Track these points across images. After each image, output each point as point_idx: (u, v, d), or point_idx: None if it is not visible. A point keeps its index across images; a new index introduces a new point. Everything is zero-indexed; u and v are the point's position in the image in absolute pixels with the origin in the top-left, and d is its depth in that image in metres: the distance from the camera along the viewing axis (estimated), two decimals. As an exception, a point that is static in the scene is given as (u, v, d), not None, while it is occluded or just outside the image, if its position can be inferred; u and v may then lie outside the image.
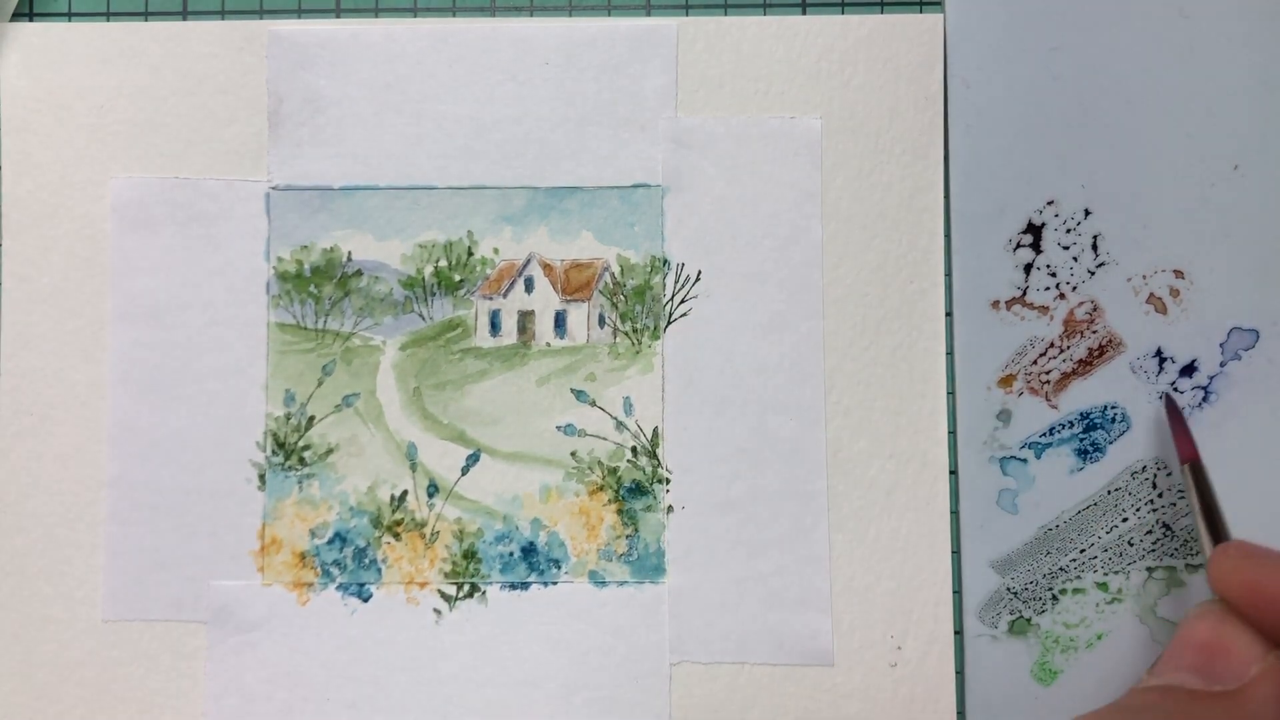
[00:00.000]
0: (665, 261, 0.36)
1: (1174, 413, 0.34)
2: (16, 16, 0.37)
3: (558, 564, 0.36)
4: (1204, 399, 0.36)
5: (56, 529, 0.36)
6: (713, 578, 0.35)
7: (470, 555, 0.36)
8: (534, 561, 0.36)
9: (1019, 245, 0.36)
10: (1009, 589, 0.35)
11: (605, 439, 0.36)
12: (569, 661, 0.35)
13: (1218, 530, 0.31)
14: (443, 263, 0.36)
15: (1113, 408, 0.36)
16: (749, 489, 0.36)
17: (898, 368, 0.36)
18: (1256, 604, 0.26)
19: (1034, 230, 0.36)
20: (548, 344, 0.36)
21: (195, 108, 0.36)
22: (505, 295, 0.36)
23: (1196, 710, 0.25)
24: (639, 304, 0.36)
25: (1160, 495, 0.36)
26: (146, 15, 0.37)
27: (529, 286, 0.36)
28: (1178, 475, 0.36)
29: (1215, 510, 0.31)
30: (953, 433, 0.36)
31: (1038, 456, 0.36)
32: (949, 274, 0.36)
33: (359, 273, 0.36)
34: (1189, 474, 0.32)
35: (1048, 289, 0.36)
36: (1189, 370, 0.36)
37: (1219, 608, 0.27)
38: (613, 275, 0.36)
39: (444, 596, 0.36)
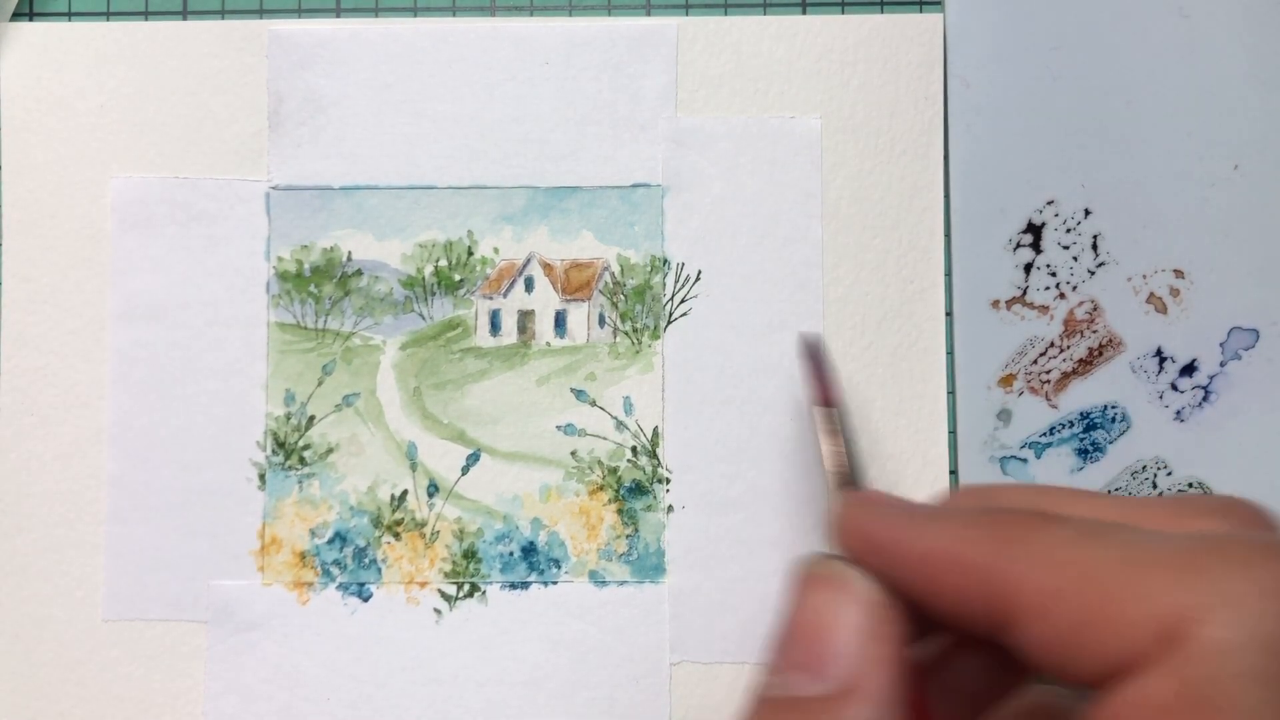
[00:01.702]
0: (665, 261, 0.36)
1: (815, 356, 0.31)
2: (16, 16, 0.37)
3: (558, 564, 0.36)
4: (1204, 399, 0.36)
5: (56, 529, 0.36)
6: (713, 578, 0.35)
7: (470, 555, 0.36)
8: (534, 561, 0.36)
9: (1019, 245, 0.36)
10: (1009, 589, 0.35)
11: (605, 439, 0.36)
12: (569, 661, 0.35)
13: (855, 482, 0.28)
14: (443, 262, 0.36)
15: (1113, 407, 0.36)
16: (749, 489, 0.36)
17: (898, 368, 0.36)
18: (865, 549, 0.22)
19: (1034, 230, 0.36)
20: (548, 344, 0.36)
21: (195, 107, 0.36)
22: (505, 295, 0.36)
23: None
24: (639, 304, 0.36)
25: (1161, 495, 0.36)
26: (146, 15, 0.37)
27: (529, 286, 0.36)
28: (1179, 475, 0.36)
29: (855, 457, 0.28)
30: (953, 433, 0.36)
31: (1038, 456, 0.36)
32: (949, 274, 0.36)
33: (359, 272, 0.36)
34: (826, 418, 0.28)
35: (1048, 289, 0.36)
36: (1189, 370, 0.36)
37: (828, 568, 0.22)
38: (613, 275, 0.36)
39: (444, 596, 0.36)
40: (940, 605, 0.20)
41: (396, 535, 0.36)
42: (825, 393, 0.30)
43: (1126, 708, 0.17)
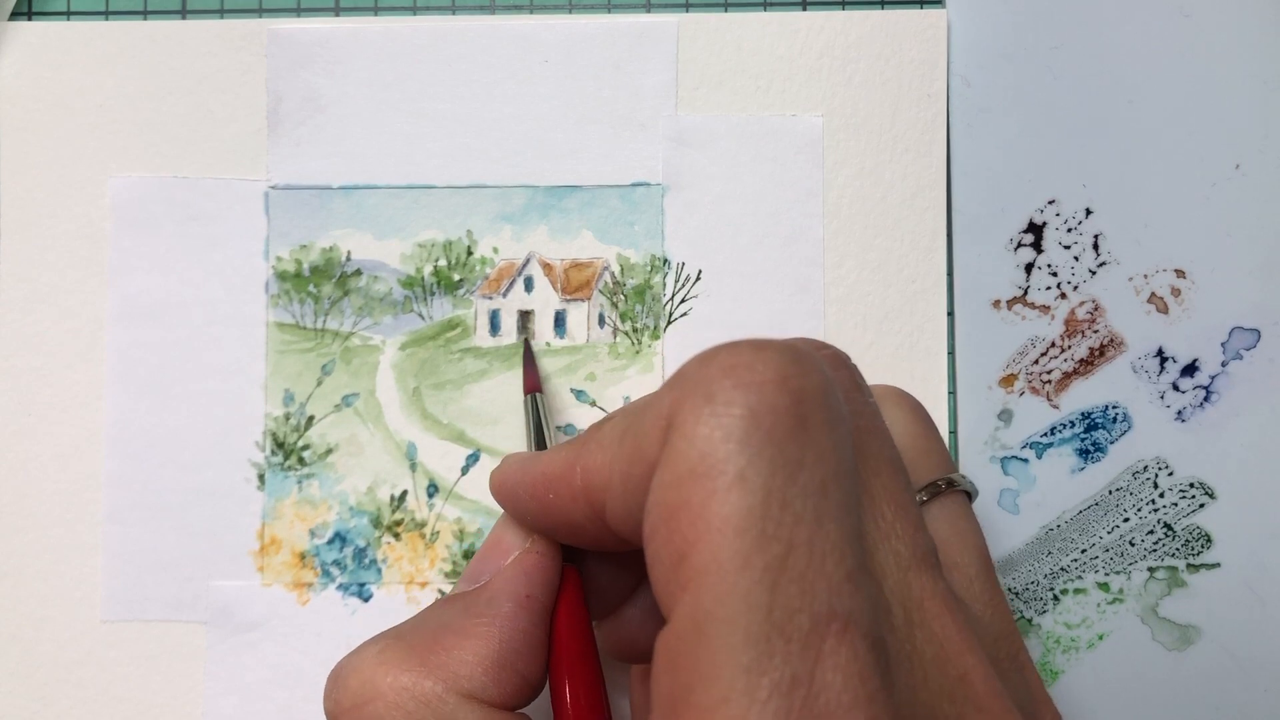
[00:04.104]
0: (665, 261, 0.36)
1: (528, 354, 0.35)
2: (15, 16, 0.37)
3: (558, 564, 0.36)
4: (1205, 398, 0.36)
5: (54, 529, 0.36)
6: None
7: (470, 555, 0.36)
8: (534, 561, 0.36)
9: (1020, 244, 0.36)
10: (1010, 589, 0.35)
11: (605, 439, 0.36)
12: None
13: None
14: (442, 262, 0.36)
15: (1114, 407, 0.36)
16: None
17: (899, 367, 0.36)
18: (503, 495, 0.26)
19: (1035, 229, 0.36)
20: (547, 344, 0.36)
21: (194, 107, 0.36)
22: (505, 295, 0.36)
23: (438, 608, 0.24)
24: (639, 303, 0.36)
25: (1162, 495, 0.35)
26: (145, 14, 0.37)
27: (529, 286, 0.36)
28: (1180, 475, 0.35)
29: (544, 439, 0.32)
30: (953, 433, 0.36)
31: (1039, 456, 0.36)
32: (950, 273, 0.36)
33: (358, 272, 0.36)
34: (530, 403, 0.33)
35: (1049, 288, 0.36)
36: (1190, 370, 0.36)
37: (505, 516, 0.27)
38: (613, 275, 0.36)
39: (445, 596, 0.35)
40: (567, 518, 0.23)
41: (396, 535, 0.36)
42: (536, 383, 0.34)
43: (650, 508, 0.19)
